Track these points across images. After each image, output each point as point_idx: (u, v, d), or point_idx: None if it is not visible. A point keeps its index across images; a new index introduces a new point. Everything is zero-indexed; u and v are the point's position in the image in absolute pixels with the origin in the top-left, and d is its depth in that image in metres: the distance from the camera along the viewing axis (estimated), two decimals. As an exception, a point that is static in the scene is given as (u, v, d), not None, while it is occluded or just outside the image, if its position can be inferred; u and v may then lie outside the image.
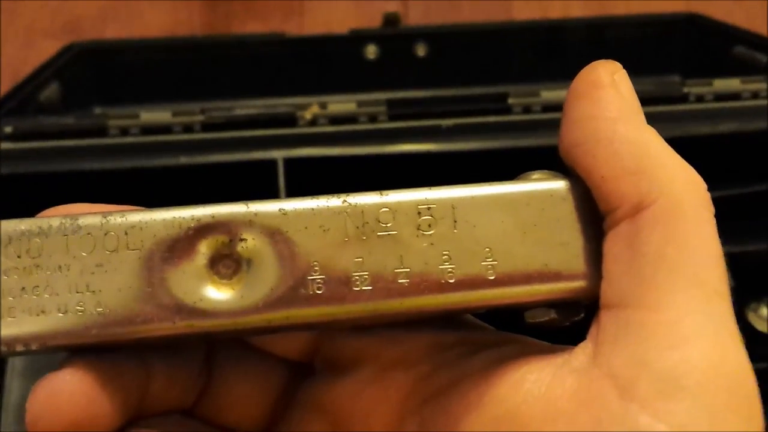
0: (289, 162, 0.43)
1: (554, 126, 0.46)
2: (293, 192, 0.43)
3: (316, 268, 0.20)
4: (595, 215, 0.20)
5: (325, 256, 0.20)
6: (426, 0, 0.69)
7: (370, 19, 0.60)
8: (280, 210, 0.20)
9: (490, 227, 0.20)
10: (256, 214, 0.20)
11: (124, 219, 0.20)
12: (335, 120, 0.45)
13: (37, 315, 0.19)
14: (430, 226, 0.20)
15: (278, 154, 0.43)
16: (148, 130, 0.43)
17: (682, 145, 0.48)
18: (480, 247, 0.20)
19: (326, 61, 0.58)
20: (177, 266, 0.19)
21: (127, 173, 0.42)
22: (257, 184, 0.43)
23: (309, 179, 0.44)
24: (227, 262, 0.20)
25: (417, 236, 0.20)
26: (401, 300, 0.20)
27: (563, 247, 0.20)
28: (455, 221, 0.20)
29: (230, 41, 0.60)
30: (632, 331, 0.18)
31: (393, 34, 0.58)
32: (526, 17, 0.66)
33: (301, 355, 0.23)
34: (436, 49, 0.58)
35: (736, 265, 0.41)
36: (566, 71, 0.58)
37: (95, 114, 0.44)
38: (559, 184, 0.21)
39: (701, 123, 0.46)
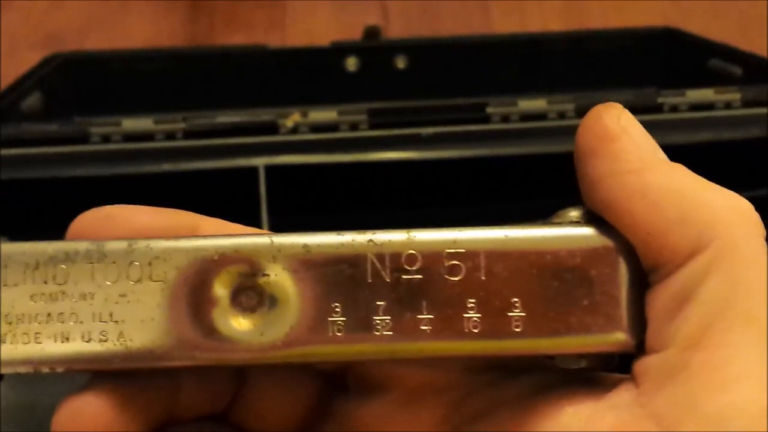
0: (270, 169, 0.44)
1: (532, 135, 0.47)
2: (274, 199, 0.43)
3: (338, 309, 0.20)
4: (636, 266, 0.19)
5: (348, 297, 0.19)
6: (406, 13, 0.70)
7: (351, 32, 0.61)
8: (303, 246, 0.20)
9: (520, 275, 0.19)
10: (279, 250, 0.20)
11: (148, 248, 0.20)
12: (316, 128, 0.45)
13: (62, 342, 0.20)
14: (457, 271, 0.20)
15: (260, 162, 0.44)
16: (130, 137, 0.44)
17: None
18: (508, 297, 0.19)
19: (308, 73, 0.59)
20: (199, 299, 0.20)
21: (110, 180, 0.43)
22: (239, 191, 0.44)
23: (290, 186, 0.44)
24: (249, 294, 0.20)
25: (443, 281, 0.19)
26: (422, 347, 0.19)
27: (598, 299, 0.19)
28: (484, 267, 0.19)
29: (212, 52, 0.61)
30: (679, 371, 0.17)
31: (373, 47, 0.58)
32: (506, 30, 0.67)
33: (335, 368, 0.22)
34: (416, 61, 0.58)
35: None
36: (546, 83, 0.59)
37: (77, 122, 0.44)
38: (597, 234, 0.20)
39: (676, 132, 0.47)
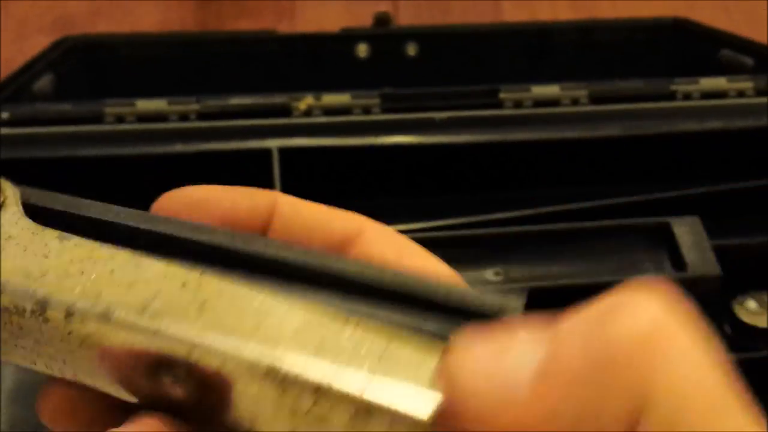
0: (283, 151, 0.44)
1: (545, 121, 0.47)
2: (288, 182, 0.43)
3: None
4: None
5: None
6: (417, 1, 0.70)
7: (362, 19, 0.60)
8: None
9: None
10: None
11: (82, 324, 0.18)
12: (329, 111, 0.45)
13: (32, 364, 0.19)
14: None
15: (273, 144, 0.44)
16: (144, 118, 0.44)
17: (669, 142, 0.49)
18: None
19: (318, 59, 0.58)
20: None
21: (123, 160, 0.43)
22: (252, 173, 0.44)
23: (303, 170, 0.44)
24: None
25: None
26: None
27: None
28: None
29: (222, 38, 0.61)
30: None
31: (384, 34, 0.58)
32: (516, 19, 0.67)
33: None
34: (427, 49, 0.58)
35: (722, 258, 0.42)
36: (555, 73, 0.59)
37: (91, 102, 0.45)
38: None
39: (688, 120, 0.47)
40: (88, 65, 0.56)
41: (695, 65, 0.58)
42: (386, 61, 0.58)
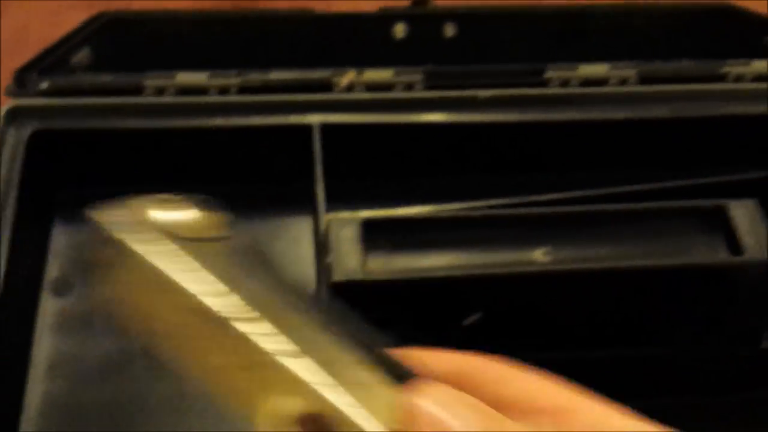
0: (325, 127, 0.43)
1: (592, 101, 0.46)
2: (329, 160, 0.42)
3: None
4: None
5: None
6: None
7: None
8: None
9: None
10: None
11: None
12: (371, 87, 0.44)
13: None
14: None
15: (314, 119, 0.43)
16: (184, 91, 0.43)
17: (717, 125, 0.47)
18: None
19: (354, 39, 0.58)
20: None
21: (162, 133, 0.42)
22: (293, 148, 0.43)
23: (344, 146, 0.44)
24: None
25: None
26: None
27: None
28: None
29: (258, 16, 0.60)
30: None
31: (422, 14, 0.57)
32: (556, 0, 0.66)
33: None
34: (465, 30, 0.57)
35: None
36: (595, 55, 0.57)
37: (131, 74, 0.44)
38: None
39: (738, 103, 0.46)
40: (125, 42, 0.56)
41: (740, 50, 0.57)
42: (423, 42, 0.57)
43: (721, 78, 0.46)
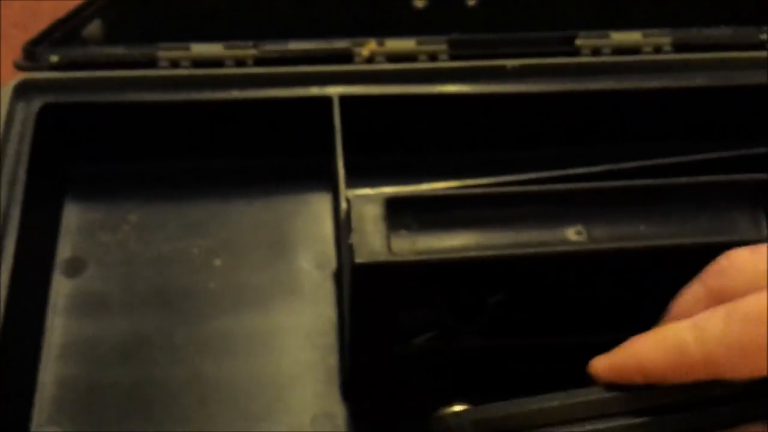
0: (344, 99, 0.41)
1: (625, 70, 0.44)
2: (349, 133, 0.41)
3: None
4: None
5: None
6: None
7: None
8: None
9: None
10: None
11: None
12: (393, 58, 0.43)
13: None
14: None
15: (333, 91, 0.41)
16: (199, 63, 0.42)
17: (756, 94, 0.45)
18: None
19: (371, 8, 0.56)
20: None
21: (177, 106, 0.41)
22: (312, 121, 0.41)
23: (365, 119, 0.42)
24: None
25: None
26: None
27: None
28: None
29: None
30: None
31: (444, -19, 0.55)
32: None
33: None
34: (488, -1, 0.55)
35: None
36: (628, 22, 0.55)
37: (145, 46, 0.42)
38: None
39: (779, 72, 0.44)
40: (138, 13, 0.54)
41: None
42: (447, 10, 0.55)
43: (760, 45, 0.44)
